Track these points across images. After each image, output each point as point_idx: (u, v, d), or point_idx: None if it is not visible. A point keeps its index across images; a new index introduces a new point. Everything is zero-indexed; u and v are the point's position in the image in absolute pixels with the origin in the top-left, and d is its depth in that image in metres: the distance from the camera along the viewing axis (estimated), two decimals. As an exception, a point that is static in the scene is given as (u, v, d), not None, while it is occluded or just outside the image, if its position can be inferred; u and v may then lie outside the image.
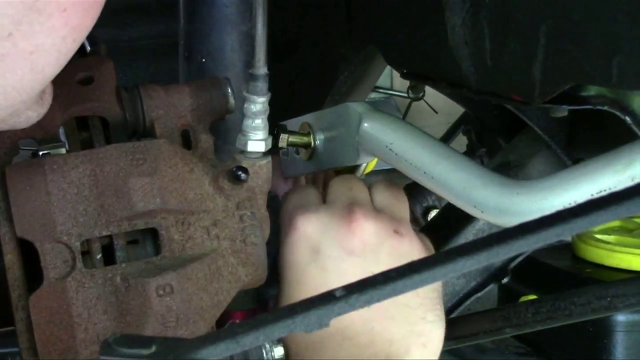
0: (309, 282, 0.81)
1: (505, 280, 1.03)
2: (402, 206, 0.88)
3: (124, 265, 0.74)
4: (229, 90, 0.85)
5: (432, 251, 0.87)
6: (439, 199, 1.34)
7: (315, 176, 1.05)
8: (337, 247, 0.81)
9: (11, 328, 0.75)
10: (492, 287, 1.05)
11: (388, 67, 1.22)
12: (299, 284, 0.82)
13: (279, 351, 0.80)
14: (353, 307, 0.40)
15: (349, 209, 0.83)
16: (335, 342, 0.78)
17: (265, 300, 0.94)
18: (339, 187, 0.87)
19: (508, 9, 0.73)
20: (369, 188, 0.89)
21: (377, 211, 0.85)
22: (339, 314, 0.41)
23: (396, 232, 0.83)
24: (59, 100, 0.77)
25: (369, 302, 0.40)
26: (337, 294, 0.41)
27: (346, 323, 0.79)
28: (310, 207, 0.85)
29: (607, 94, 0.75)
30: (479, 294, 1.04)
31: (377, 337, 0.79)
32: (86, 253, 0.74)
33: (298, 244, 0.82)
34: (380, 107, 0.91)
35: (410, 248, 0.83)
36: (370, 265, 0.81)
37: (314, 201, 0.87)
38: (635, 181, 0.71)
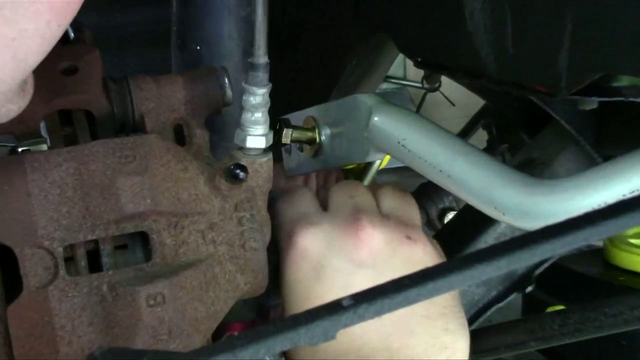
0: (316, 303, 0.81)
1: (529, 289, 1.03)
2: (412, 210, 0.88)
3: (111, 272, 0.74)
4: (226, 81, 0.85)
5: (445, 259, 0.87)
6: (457, 199, 1.33)
7: (320, 175, 1.05)
8: (345, 260, 0.81)
9: None
10: (514, 297, 1.05)
11: (401, 56, 1.22)
12: (306, 306, 0.81)
13: (281, 366, 0.80)
14: (362, 318, 0.41)
15: (354, 217, 0.83)
16: None
17: (266, 311, 0.94)
18: (340, 195, 0.87)
19: (532, -9, 0.73)
20: (375, 194, 0.89)
21: (385, 217, 0.85)
22: (347, 325, 0.41)
23: (408, 237, 0.83)
24: (41, 92, 0.77)
25: (379, 312, 0.41)
26: (345, 303, 0.41)
27: (362, 341, 0.78)
28: (310, 218, 0.85)
29: (640, 84, 0.75)
30: (500, 304, 1.04)
31: (396, 354, 0.79)
32: (70, 259, 0.74)
33: (300, 262, 0.82)
34: (392, 99, 0.91)
35: (424, 254, 0.83)
36: (383, 276, 0.80)
37: (313, 209, 0.87)
38: (672, 180, 0.71)
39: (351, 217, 0.83)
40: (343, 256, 0.81)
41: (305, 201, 0.88)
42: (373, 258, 0.81)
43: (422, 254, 0.83)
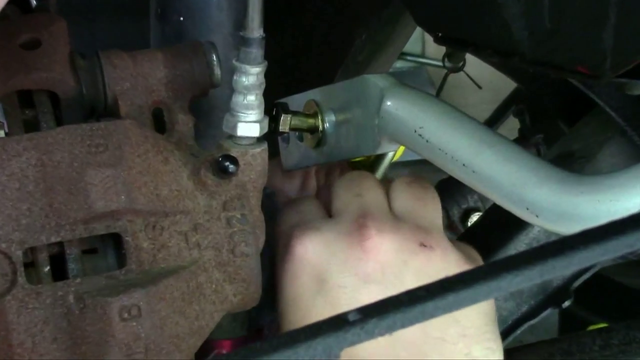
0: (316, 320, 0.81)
1: (566, 303, 1.03)
2: (430, 210, 0.87)
3: (78, 280, 0.74)
4: (214, 58, 0.85)
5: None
6: (482, 199, 1.34)
7: (321, 172, 1.05)
8: (349, 274, 0.81)
9: None
10: (549, 313, 1.05)
11: (419, 30, 1.22)
12: (304, 324, 0.81)
13: (275, 391, 0.80)
14: (370, 335, 0.41)
15: (360, 223, 0.83)
16: None
17: (259, 327, 0.95)
18: (345, 193, 0.87)
19: (572, -44, 0.74)
20: (387, 189, 0.88)
21: (397, 220, 0.85)
22: (353, 342, 0.41)
23: (423, 245, 0.82)
24: (-3, 70, 0.78)
25: (391, 329, 0.41)
26: (351, 317, 0.42)
27: None
28: (310, 223, 0.85)
29: (698, 65, 0.75)
30: (532, 321, 1.05)
31: None
32: (30, 265, 0.74)
33: (299, 273, 0.82)
34: (407, 80, 0.91)
35: (445, 264, 0.82)
36: (392, 292, 0.80)
37: (316, 215, 0.87)
38: None
39: (356, 223, 0.82)
40: (347, 270, 0.81)
41: (308, 206, 0.88)
42: (381, 271, 0.81)
43: (440, 265, 0.82)
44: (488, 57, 0.93)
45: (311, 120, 0.97)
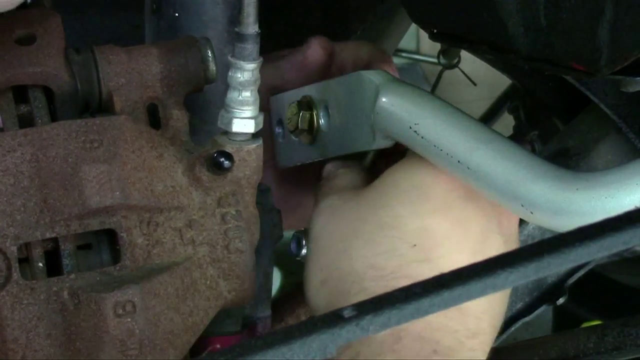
0: None
1: (560, 301, 1.03)
2: None
3: (73, 276, 0.74)
4: (209, 54, 0.85)
5: None
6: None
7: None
8: None
9: None
10: (544, 310, 1.05)
11: (413, 26, 1.22)
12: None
13: (270, 387, 0.80)
14: (366, 331, 0.41)
15: None
16: None
17: (252, 323, 0.94)
18: None
19: (568, -49, 0.74)
20: None
21: None
22: (348, 339, 0.41)
23: None
24: (-8, 65, 0.77)
25: (386, 325, 0.41)
26: (346, 314, 0.42)
27: None
28: None
29: (695, 62, 0.75)
30: (527, 319, 1.05)
31: None
32: (25, 260, 0.74)
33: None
34: (402, 77, 0.91)
35: None
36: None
37: None
38: None
39: None
40: None
41: None
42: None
43: None
44: (483, 54, 0.93)
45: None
